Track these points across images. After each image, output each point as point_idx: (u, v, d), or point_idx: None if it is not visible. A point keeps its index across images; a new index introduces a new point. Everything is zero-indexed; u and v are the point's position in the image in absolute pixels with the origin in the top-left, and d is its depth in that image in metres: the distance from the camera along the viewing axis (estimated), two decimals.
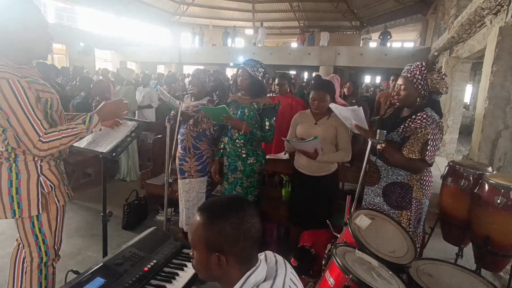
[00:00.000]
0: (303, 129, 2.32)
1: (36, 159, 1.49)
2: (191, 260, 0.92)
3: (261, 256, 0.94)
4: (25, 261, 1.63)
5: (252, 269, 0.86)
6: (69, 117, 1.74)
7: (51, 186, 1.54)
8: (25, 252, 1.61)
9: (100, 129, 1.57)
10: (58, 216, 1.61)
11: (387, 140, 1.76)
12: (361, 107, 1.83)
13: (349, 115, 1.91)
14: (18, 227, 1.55)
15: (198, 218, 0.86)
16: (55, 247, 1.64)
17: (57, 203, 1.59)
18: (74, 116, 1.75)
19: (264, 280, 0.85)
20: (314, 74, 10.45)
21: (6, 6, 1.34)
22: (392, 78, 5.02)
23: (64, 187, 1.65)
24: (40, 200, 1.51)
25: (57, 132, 1.40)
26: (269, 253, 0.96)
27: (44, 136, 1.36)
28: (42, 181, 1.51)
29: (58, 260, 1.71)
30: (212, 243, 0.83)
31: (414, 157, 1.68)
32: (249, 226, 0.85)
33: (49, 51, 1.51)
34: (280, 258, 0.95)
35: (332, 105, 2.05)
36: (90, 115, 1.52)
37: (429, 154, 1.67)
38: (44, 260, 1.61)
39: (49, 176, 1.54)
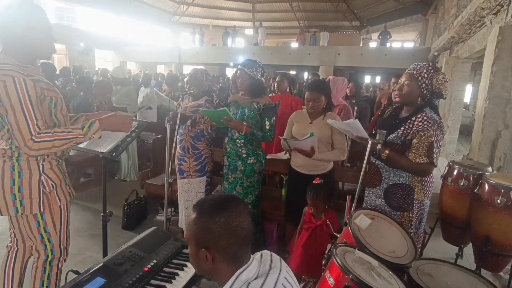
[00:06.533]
0: (298, 128, 2.32)
1: (38, 158, 1.50)
2: None
3: (257, 255, 0.95)
4: (33, 258, 1.66)
5: (243, 267, 0.88)
6: (73, 118, 1.75)
7: (52, 185, 1.56)
8: (33, 248, 1.63)
9: (100, 137, 1.55)
10: (62, 215, 1.63)
11: (387, 142, 1.76)
12: (356, 120, 1.85)
13: (348, 128, 1.93)
14: (24, 225, 1.57)
15: (192, 214, 0.92)
16: (61, 246, 1.66)
17: (59, 202, 1.60)
18: (77, 117, 1.77)
19: (256, 278, 0.86)
20: (306, 74, 10.35)
21: (15, 9, 1.38)
22: (393, 80, 5.01)
23: (66, 186, 1.66)
24: (41, 198, 1.52)
25: (50, 134, 1.40)
26: (265, 252, 0.97)
27: (37, 135, 1.37)
28: (44, 180, 1.53)
29: (65, 260, 1.72)
30: (200, 239, 0.88)
31: (422, 161, 1.67)
32: (236, 225, 0.87)
33: (53, 52, 1.55)
34: (276, 257, 0.96)
35: (330, 121, 2.08)
36: (91, 122, 1.51)
37: (435, 156, 1.68)
38: (49, 258, 1.63)
39: (50, 175, 1.55)
